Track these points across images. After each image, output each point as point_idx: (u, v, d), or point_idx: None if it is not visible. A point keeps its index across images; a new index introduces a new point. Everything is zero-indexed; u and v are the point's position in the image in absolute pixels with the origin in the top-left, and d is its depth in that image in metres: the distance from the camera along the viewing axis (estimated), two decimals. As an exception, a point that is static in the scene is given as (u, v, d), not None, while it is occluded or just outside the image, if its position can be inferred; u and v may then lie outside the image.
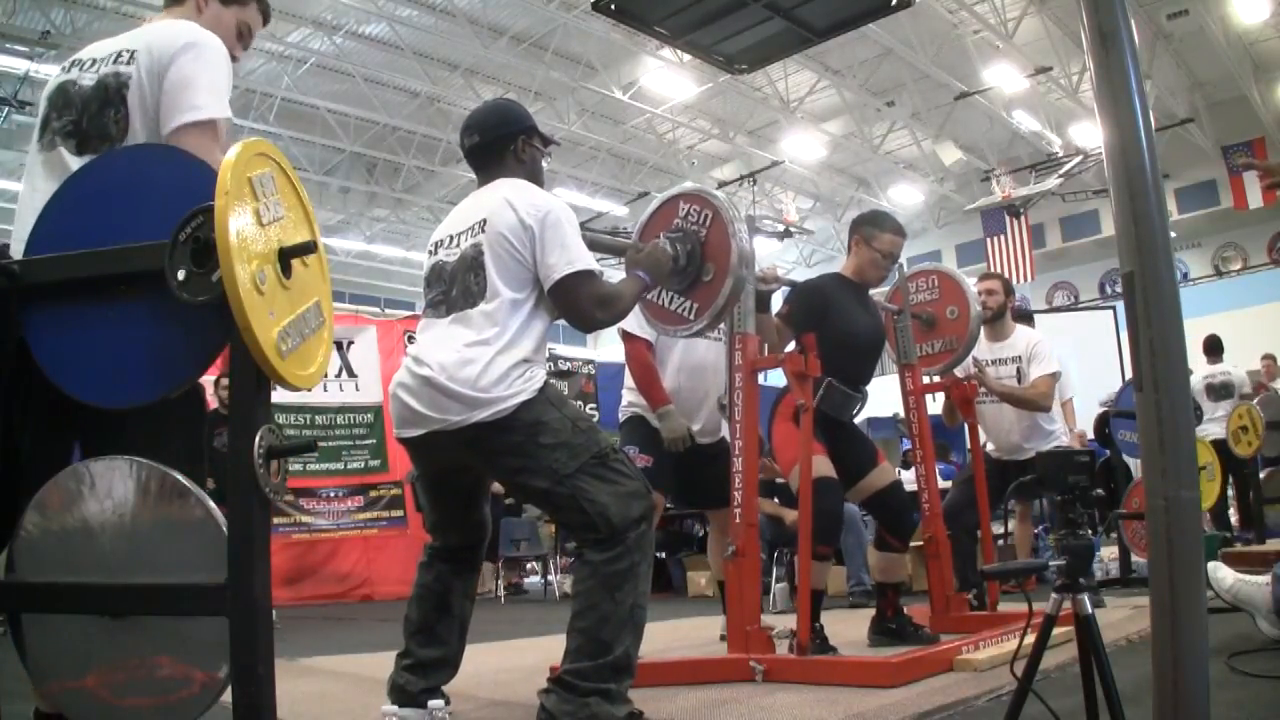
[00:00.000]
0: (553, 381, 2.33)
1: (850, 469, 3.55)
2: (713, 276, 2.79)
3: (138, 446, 1.52)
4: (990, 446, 4.60)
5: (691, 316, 2.87)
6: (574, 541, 2.28)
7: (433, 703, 2.27)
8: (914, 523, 3.79)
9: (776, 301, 3.70)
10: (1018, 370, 4.54)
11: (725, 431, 3.72)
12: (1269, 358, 8.89)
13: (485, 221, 2.31)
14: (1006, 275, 16.48)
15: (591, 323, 2.37)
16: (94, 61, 1.95)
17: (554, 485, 2.19)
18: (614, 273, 2.89)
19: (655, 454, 3.50)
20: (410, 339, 7.32)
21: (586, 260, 2.28)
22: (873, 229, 3.70)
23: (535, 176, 2.49)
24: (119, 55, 1.93)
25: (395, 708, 2.34)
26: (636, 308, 2.86)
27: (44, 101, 2.00)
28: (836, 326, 3.50)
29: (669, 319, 2.96)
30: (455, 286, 2.32)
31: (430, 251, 2.47)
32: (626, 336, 3.54)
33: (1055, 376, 4.53)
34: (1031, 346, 4.59)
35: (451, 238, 2.40)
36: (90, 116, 1.90)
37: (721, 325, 3.63)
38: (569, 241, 2.27)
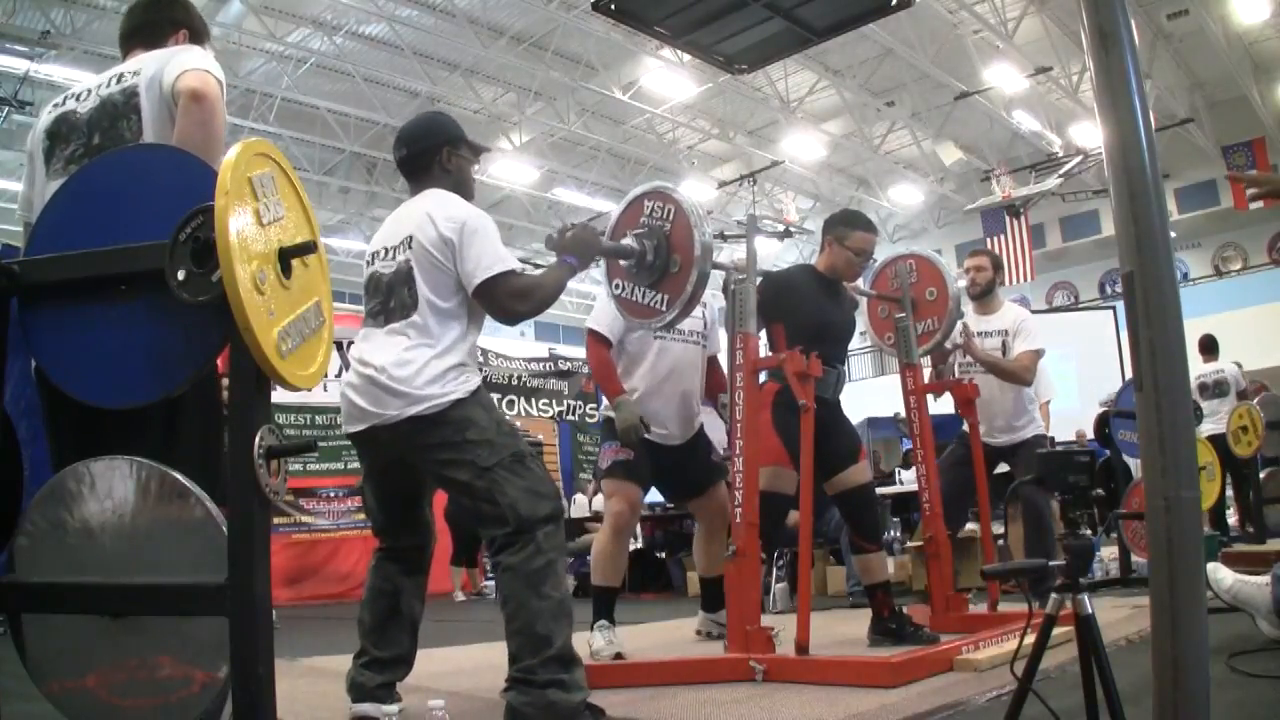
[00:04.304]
0: (483, 389, 2.50)
1: (829, 460, 3.55)
2: (680, 268, 2.89)
3: (156, 444, 1.54)
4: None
5: (664, 307, 2.96)
6: (490, 545, 2.39)
7: (386, 707, 2.41)
8: (878, 523, 3.85)
9: None
10: (1003, 344, 4.57)
11: (700, 423, 3.87)
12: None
13: (411, 238, 2.45)
14: (1006, 275, 16.54)
15: (514, 315, 2.49)
16: (89, 91, 2.08)
17: (474, 478, 2.33)
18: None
19: (634, 448, 3.61)
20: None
21: (503, 262, 2.42)
22: (845, 229, 3.77)
23: (462, 185, 2.64)
24: (119, 77, 2.05)
25: (363, 706, 2.46)
26: (612, 307, 3.14)
27: (42, 138, 2.08)
28: (804, 314, 3.60)
29: (644, 313, 3.03)
30: (393, 298, 2.47)
31: (368, 262, 2.61)
32: (591, 334, 3.70)
33: (1039, 353, 4.57)
34: (1019, 322, 4.65)
35: (386, 250, 2.53)
36: (103, 131, 2.00)
37: (697, 329, 3.80)
38: (485, 247, 2.42)
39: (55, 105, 2.12)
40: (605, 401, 3.78)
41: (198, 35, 2.26)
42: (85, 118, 2.04)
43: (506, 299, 2.43)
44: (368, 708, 2.45)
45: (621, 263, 2.99)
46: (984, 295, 4.68)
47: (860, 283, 4.01)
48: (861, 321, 4.41)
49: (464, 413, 2.36)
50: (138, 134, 1.98)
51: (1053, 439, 5.97)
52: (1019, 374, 4.44)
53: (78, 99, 2.08)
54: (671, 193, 2.97)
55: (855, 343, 4.80)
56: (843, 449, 3.65)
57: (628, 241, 2.91)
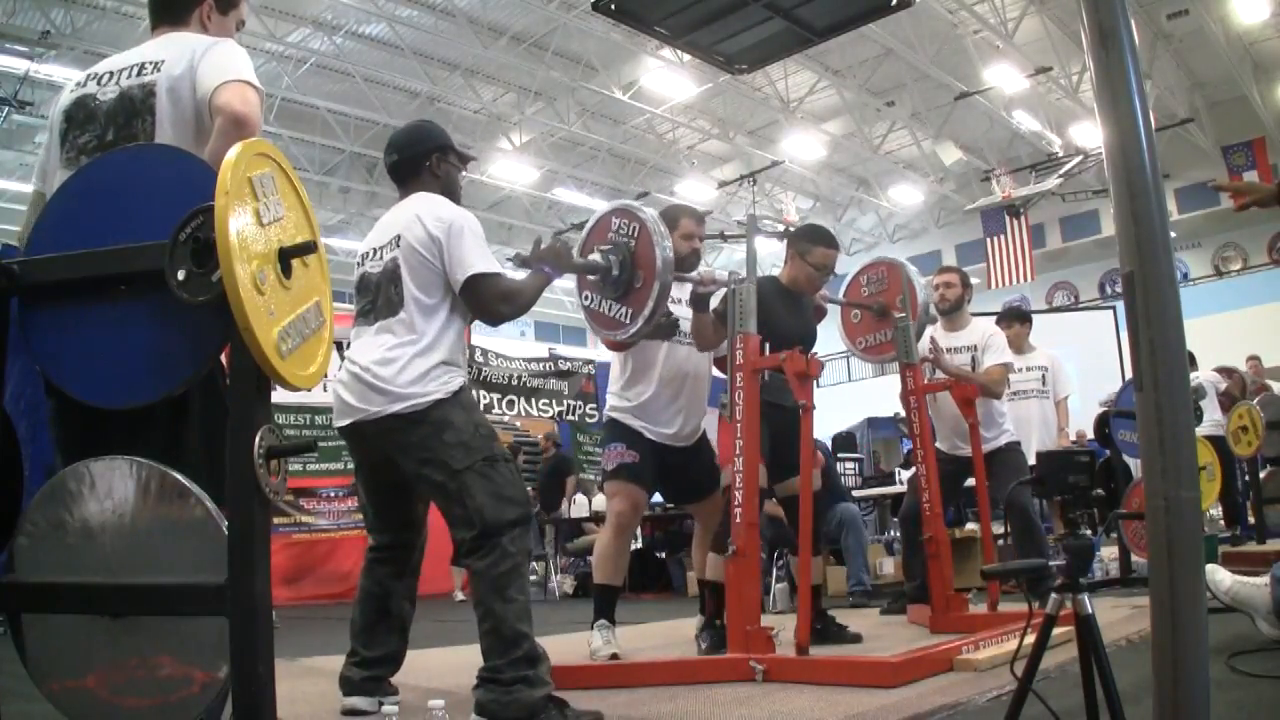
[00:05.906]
0: (469, 389, 2.57)
1: (782, 464, 3.55)
2: (642, 283, 3.02)
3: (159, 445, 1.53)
4: (940, 443, 4.61)
5: (627, 320, 3.08)
6: (459, 548, 2.45)
7: (386, 708, 2.40)
8: (820, 532, 3.84)
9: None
10: (972, 359, 4.61)
11: (705, 427, 3.89)
12: (1254, 359, 8.86)
13: (399, 237, 2.55)
14: (1006, 275, 16.56)
15: (497, 316, 2.59)
16: (111, 75, 2.00)
17: (448, 479, 2.41)
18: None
19: (639, 451, 3.62)
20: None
21: (488, 263, 2.53)
22: (807, 244, 3.85)
23: (450, 190, 2.72)
24: (141, 67, 1.97)
25: (353, 699, 2.59)
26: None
27: (60, 118, 2.02)
28: (763, 324, 3.58)
29: (608, 324, 3.16)
30: (380, 297, 2.57)
31: (358, 263, 2.71)
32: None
33: (1008, 367, 4.64)
34: (987, 337, 4.69)
35: (375, 250, 2.63)
36: (118, 128, 1.94)
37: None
38: (472, 247, 2.52)
39: (78, 84, 2.04)
40: (609, 402, 3.76)
41: (227, 1, 2.15)
42: (104, 107, 1.96)
43: (492, 299, 2.53)
44: (357, 701, 2.58)
45: (589, 276, 3.11)
46: (952, 311, 4.73)
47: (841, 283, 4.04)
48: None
49: (443, 414, 2.43)
50: (151, 135, 1.91)
51: (1081, 433, 5.99)
52: (990, 386, 4.46)
53: (99, 82, 1.99)
54: (637, 211, 3.10)
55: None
56: (794, 455, 3.65)
57: (594, 257, 3.04)
